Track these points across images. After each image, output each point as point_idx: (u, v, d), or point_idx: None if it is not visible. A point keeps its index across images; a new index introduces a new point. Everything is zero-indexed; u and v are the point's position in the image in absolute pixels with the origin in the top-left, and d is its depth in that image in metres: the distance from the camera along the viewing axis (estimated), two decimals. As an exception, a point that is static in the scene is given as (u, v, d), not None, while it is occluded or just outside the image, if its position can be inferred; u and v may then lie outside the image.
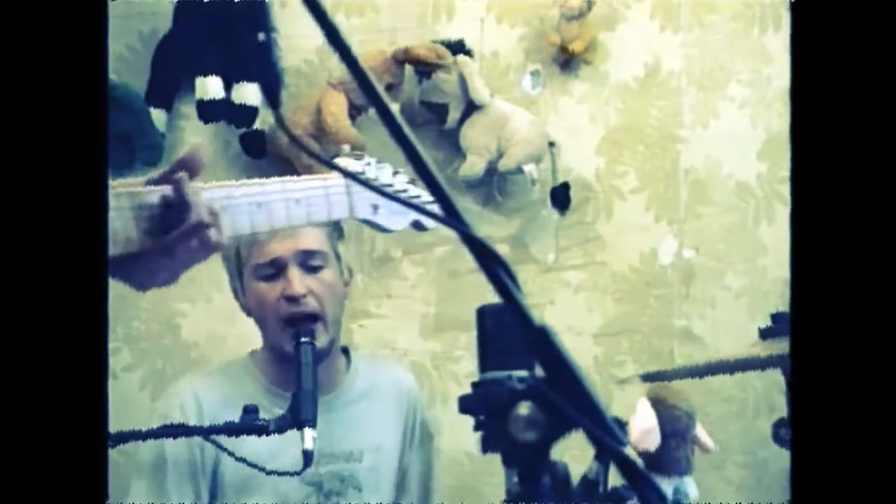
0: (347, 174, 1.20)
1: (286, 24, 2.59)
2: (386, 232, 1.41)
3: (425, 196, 1.38)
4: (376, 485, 2.01)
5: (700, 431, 2.17)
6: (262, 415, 1.76)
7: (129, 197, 1.07)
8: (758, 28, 3.04)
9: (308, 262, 1.91)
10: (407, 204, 1.27)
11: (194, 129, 2.74)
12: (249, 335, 2.06)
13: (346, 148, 1.55)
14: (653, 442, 2.07)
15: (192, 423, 1.88)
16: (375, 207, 1.36)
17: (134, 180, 1.13)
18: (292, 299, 1.89)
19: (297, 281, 1.89)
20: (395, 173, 1.39)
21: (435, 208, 0.90)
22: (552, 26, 2.89)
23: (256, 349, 2.04)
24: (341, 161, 1.33)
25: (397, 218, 1.39)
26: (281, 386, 1.95)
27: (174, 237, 1.09)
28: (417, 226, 1.40)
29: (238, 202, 1.17)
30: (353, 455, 1.98)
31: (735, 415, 3.03)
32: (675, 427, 2.11)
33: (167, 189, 1.10)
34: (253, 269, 1.92)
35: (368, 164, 1.39)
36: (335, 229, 1.97)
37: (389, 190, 1.35)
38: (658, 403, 2.11)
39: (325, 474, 1.93)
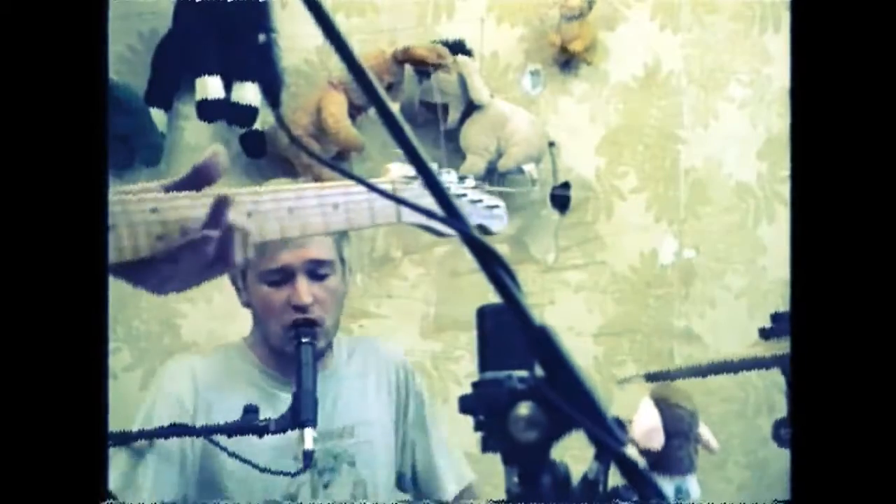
0: (355, 178, 1.18)
1: (286, 24, 2.59)
2: (444, 237, 1.38)
3: (488, 200, 1.36)
4: (371, 459, 2.01)
5: (703, 430, 2.17)
6: (257, 395, 1.79)
7: (140, 203, 1.06)
8: (758, 28, 3.04)
9: (316, 270, 1.92)
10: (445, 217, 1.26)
11: (194, 129, 2.74)
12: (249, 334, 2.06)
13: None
14: (656, 441, 2.07)
15: (187, 397, 1.90)
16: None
17: (150, 184, 1.11)
18: (298, 308, 1.90)
19: (305, 291, 1.89)
20: (462, 178, 1.36)
21: (435, 207, 0.90)
22: (552, 26, 2.89)
23: (247, 335, 2.05)
24: (396, 167, 1.30)
25: None
26: (274, 368, 1.97)
27: (198, 251, 1.08)
28: (483, 230, 1.37)
29: (266, 208, 1.15)
30: (344, 431, 1.99)
31: (735, 415, 3.04)
32: (678, 426, 2.11)
33: (202, 201, 1.08)
34: (260, 272, 1.93)
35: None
36: (342, 235, 1.97)
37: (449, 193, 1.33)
38: (661, 403, 2.11)
39: (317, 452, 1.92)
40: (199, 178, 1.10)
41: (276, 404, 1.84)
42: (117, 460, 1.86)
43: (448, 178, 1.34)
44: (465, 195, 1.37)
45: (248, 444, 1.80)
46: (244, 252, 1.12)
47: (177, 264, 1.08)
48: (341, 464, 1.98)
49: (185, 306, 2.74)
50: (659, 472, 2.09)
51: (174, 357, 2.11)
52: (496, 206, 1.39)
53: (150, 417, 1.88)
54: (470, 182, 1.38)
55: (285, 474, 1.82)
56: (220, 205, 1.08)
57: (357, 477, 1.99)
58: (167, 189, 1.10)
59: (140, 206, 1.05)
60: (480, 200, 1.37)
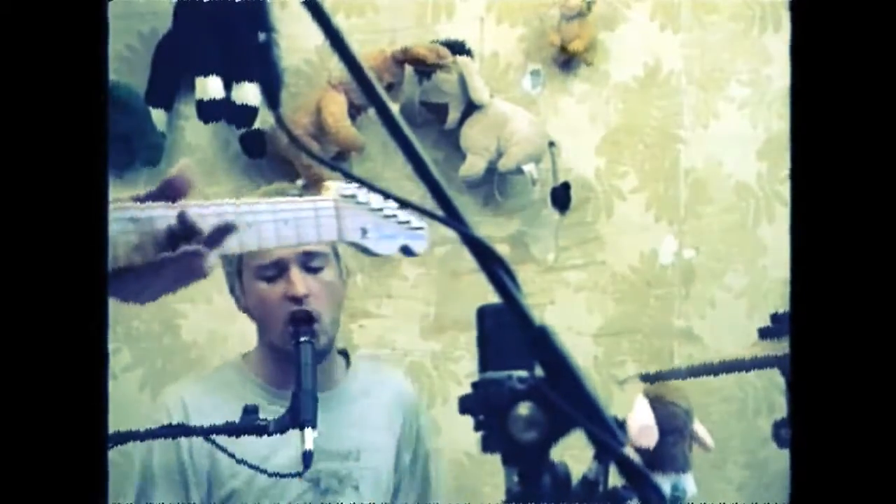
0: (354, 178, 1.19)
1: (286, 24, 2.57)
2: (374, 256, 1.42)
3: (414, 221, 1.41)
4: (374, 485, 2.01)
5: (698, 428, 2.17)
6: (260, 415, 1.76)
7: (117, 212, 1.06)
8: (758, 28, 3.04)
9: (309, 262, 1.92)
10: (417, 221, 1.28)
11: (194, 129, 2.74)
12: (249, 335, 2.06)
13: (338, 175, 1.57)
14: (650, 439, 2.07)
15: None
16: (364, 231, 1.36)
17: (121, 195, 1.12)
18: (295, 300, 1.90)
19: (300, 282, 1.90)
20: (386, 198, 1.40)
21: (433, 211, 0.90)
22: (552, 26, 2.88)
23: (249, 351, 2.04)
24: (332, 185, 1.33)
25: (386, 242, 1.39)
26: (277, 384, 1.96)
27: (169, 260, 1.08)
28: (406, 251, 1.42)
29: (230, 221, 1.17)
30: (351, 454, 1.99)
31: (735, 415, 3.03)
32: (672, 424, 2.11)
33: (170, 213, 1.09)
34: (254, 269, 1.93)
35: (359, 187, 1.39)
36: None
37: (379, 214, 1.36)
38: (655, 400, 2.12)
39: (322, 472, 1.93)
40: (169, 192, 1.10)
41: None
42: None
43: (374, 199, 1.37)
44: (394, 216, 1.39)
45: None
46: (211, 263, 1.13)
47: (159, 274, 1.08)
48: (346, 487, 1.97)
49: (186, 306, 2.74)
50: (654, 470, 2.09)
51: (167, 388, 2.12)
52: (420, 228, 1.43)
53: (149, 459, 1.91)
54: (392, 203, 1.40)
55: (284, 475, 1.82)
56: (185, 217, 1.08)
57: (360, 502, 1.99)
58: (139, 200, 1.11)
59: (118, 216, 1.05)
60: (408, 221, 1.40)
